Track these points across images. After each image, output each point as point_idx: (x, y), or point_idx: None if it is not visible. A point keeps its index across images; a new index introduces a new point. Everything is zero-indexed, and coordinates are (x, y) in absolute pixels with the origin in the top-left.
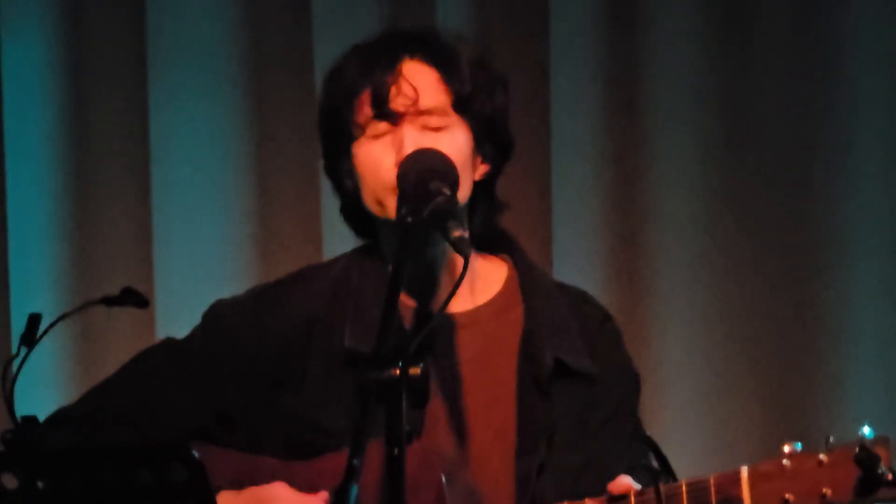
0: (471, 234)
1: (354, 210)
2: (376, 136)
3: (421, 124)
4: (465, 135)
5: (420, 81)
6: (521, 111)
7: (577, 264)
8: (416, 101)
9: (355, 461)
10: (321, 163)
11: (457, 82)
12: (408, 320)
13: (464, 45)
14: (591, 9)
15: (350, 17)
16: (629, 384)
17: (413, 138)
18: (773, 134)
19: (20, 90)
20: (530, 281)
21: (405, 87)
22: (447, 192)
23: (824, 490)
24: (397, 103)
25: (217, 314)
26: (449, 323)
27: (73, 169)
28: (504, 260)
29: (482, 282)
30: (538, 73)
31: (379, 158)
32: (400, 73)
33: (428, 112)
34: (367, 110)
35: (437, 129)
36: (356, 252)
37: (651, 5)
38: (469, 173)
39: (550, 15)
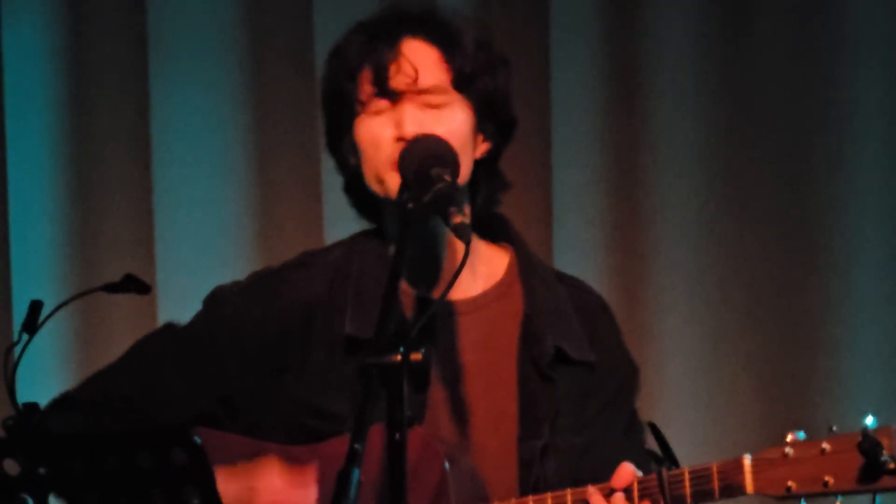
0: (474, 214)
1: (357, 188)
2: (377, 113)
3: (421, 102)
4: (466, 113)
5: (420, 60)
6: (521, 101)
7: (577, 256)
8: (416, 80)
9: (357, 446)
10: (323, 152)
11: (458, 60)
12: (408, 307)
13: (466, 25)
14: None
15: (350, 8)
16: (627, 372)
17: (413, 116)
18: (773, 128)
19: (21, 81)
20: (530, 269)
21: (405, 66)
22: (448, 178)
23: (826, 478)
24: (397, 81)
25: (218, 299)
26: (450, 309)
27: (75, 156)
28: (505, 248)
29: (484, 268)
30: (539, 62)
31: (379, 134)
32: (400, 52)
33: (428, 90)
34: (368, 88)
35: (438, 107)
36: (357, 237)
37: None
38: (469, 151)
39: (551, 4)
